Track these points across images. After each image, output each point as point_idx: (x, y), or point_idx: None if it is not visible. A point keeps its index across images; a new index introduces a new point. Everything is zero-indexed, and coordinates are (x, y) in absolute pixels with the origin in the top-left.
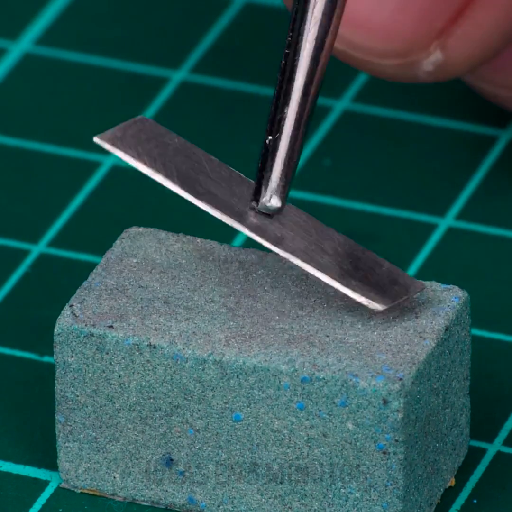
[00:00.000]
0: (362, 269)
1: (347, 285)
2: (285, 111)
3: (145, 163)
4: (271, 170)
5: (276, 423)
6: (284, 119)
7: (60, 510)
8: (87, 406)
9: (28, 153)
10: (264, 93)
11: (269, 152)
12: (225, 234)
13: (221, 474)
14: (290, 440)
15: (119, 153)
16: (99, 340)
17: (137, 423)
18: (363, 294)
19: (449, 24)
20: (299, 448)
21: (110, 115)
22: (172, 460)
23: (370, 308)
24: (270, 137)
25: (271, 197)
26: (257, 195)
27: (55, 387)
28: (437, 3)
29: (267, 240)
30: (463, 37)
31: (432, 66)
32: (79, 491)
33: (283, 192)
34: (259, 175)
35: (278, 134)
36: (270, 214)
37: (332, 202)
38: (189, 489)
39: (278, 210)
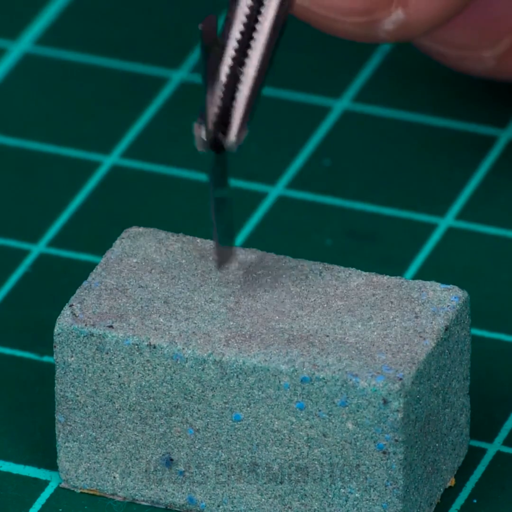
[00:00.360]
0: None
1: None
2: (250, 57)
3: None
4: (240, 117)
5: (276, 423)
6: (251, 66)
7: (60, 510)
8: (87, 406)
9: (28, 153)
10: (264, 93)
11: (240, 99)
12: None
13: (221, 474)
14: (290, 440)
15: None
16: (99, 340)
17: (137, 423)
18: (219, 248)
19: None
20: (299, 448)
21: (110, 115)
22: (172, 460)
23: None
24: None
25: (237, 144)
26: (228, 129)
27: (55, 387)
28: None
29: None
30: None
31: (393, 25)
32: (79, 491)
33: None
34: (226, 109)
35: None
36: (218, 150)
37: (332, 202)
38: (189, 489)
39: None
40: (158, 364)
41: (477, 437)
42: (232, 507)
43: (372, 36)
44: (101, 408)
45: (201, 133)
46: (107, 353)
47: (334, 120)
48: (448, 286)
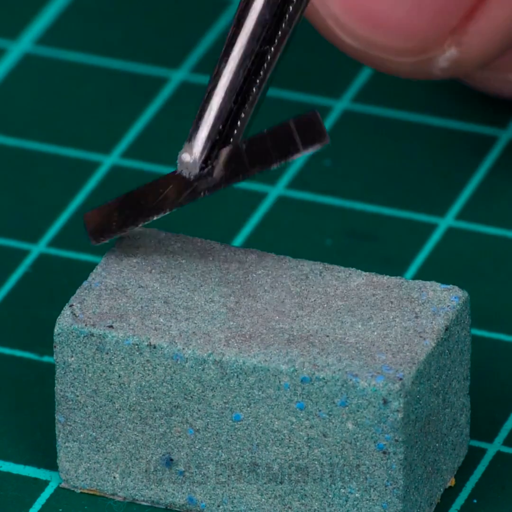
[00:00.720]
0: None
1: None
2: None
3: None
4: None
5: (276, 423)
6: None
7: (60, 510)
8: (87, 406)
9: (28, 153)
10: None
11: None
12: (225, 234)
13: (221, 474)
14: (290, 440)
15: None
16: (99, 340)
17: (137, 423)
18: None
19: (464, 21)
20: (299, 448)
21: (110, 115)
22: (172, 460)
23: None
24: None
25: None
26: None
27: (55, 387)
28: (452, 0)
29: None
30: (478, 33)
31: (447, 62)
32: (79, 491)
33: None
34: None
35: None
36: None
37: (332, 202)
38: (189, 489)
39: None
40: (158, 364)
41: (477, 437)
42: (232, 507)
43: (427, 74)
44: (101, 408)
45: (188, 158)
46: (107, 353)
47: (334, 120)
48: (448, 286)
